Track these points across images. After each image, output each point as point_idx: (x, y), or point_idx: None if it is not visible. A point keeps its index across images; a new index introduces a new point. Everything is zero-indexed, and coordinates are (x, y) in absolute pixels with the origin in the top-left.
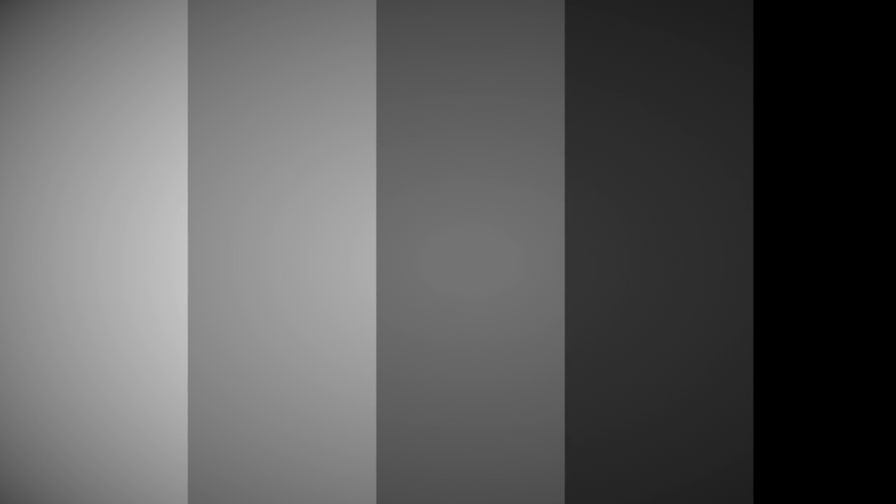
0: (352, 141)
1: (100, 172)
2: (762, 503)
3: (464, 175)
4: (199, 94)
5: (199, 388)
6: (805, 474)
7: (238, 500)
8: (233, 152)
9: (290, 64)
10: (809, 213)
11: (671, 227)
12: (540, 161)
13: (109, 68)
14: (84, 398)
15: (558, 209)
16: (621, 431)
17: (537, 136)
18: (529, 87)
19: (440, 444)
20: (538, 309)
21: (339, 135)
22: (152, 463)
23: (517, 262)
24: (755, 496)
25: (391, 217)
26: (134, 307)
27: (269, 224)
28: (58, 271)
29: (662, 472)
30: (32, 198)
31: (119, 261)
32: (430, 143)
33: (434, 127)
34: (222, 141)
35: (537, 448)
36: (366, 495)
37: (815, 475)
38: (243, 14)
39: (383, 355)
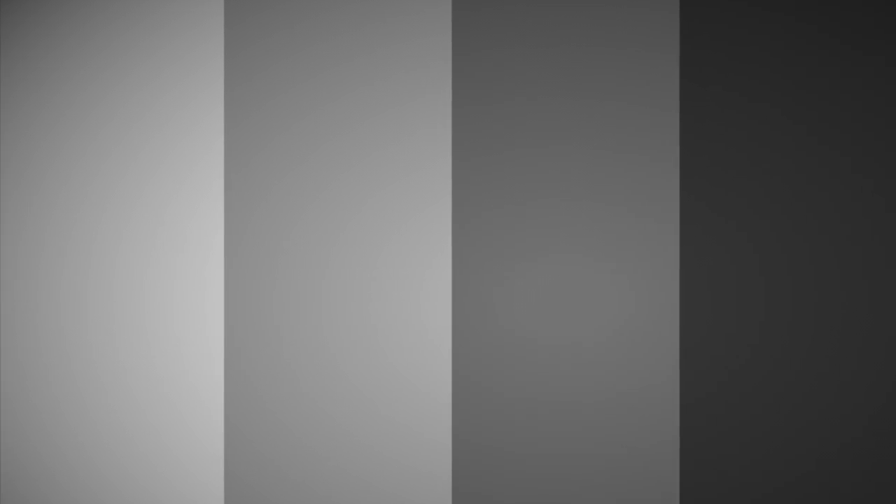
0: (421, 155)
1: (129, 192)
2: None
3: (556, 196)
4: (238, 98)
5: (238, 455)
6: None
7: None
8: (277, 171)
9: (348, 63)
10: None
11: (809, 260)
12: (648, 179)
13: (144, 79)
14: (108, 474)
15: (671, 237)
16: None
17: (645, 150)
18: (636, 90)
19: None
20: (647, 358)
21: (406, 148)
22: None
23: (621, 301)
24: None
25: (469, 246)
26: (167, 373)
27: (320, 257)
28: (85, 297)
29: None
30: (65, 207)
31: (146, 336)
32: (515, 158)
33: (520, 138)
34: (265, 156)
35: None
36: None
37: None
38: (288, 2)
39: (460, 415)
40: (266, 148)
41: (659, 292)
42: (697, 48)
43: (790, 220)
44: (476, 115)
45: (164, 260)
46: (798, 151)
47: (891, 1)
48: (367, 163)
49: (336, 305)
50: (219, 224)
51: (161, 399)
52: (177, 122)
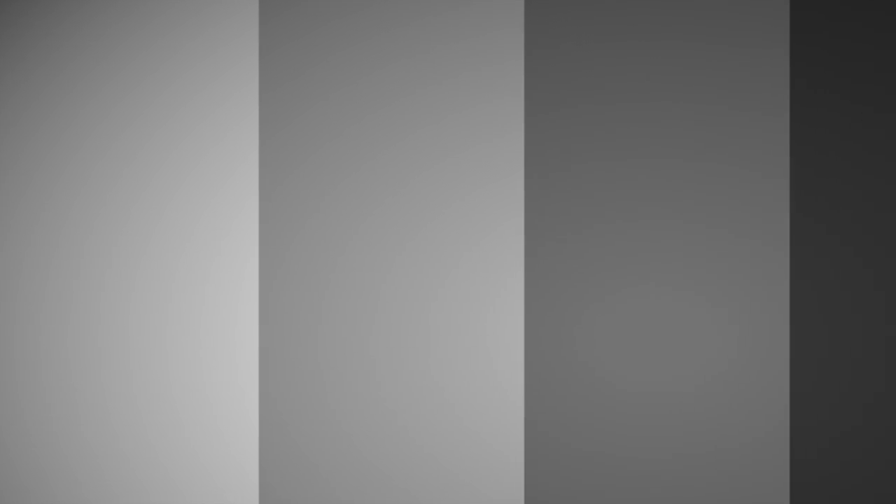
0: (490, 169)
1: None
2: None
3: (645, 217)
4: (274, 101)
5: None
6: None
7: None
8: (324, 184)
9: (405, 62)
10: None
11: None
12: (752, 197)
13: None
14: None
15: (780, 267)
16: None
17: (747, 163)
18: (737, 94)
19: None
20: (751, 409)
21: (472, 162)
22: None
23: (722, 342)
24: None
25: (543, 276)
26: (204, 420)
27: (370, 292)
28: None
29: None
30: (101, 211)
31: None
32: (596, 172)
33: (602, 150)
34: (309, 167)
35: None
36: None
37: None
38: None
39: (533, 476)
40: (312, 158)
41: (765, 332)
42: (809, 40)
43: None
44: (551, 123)
45: (203, 307)
46: None
47: None
48: (426, 177)
49: (393, 343)
50: (253, 251)
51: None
52: (213, 128)
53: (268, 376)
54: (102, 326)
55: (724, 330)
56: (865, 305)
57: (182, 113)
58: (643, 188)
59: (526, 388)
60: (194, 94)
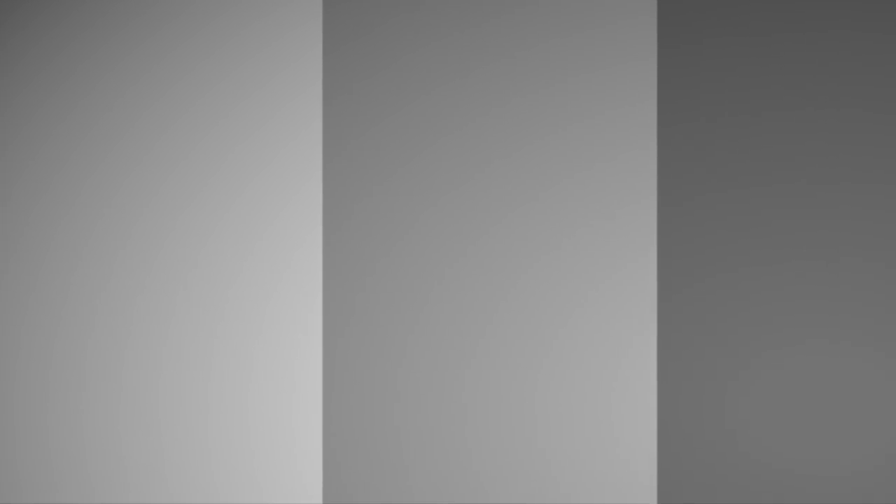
0: (616, 192)
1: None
2: None
3: (802, 256)
4: (338, 112)
5: None
6: None
7: None
8: (417, 202)
9: (515, 58)
10: None
11: None
12: None
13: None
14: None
15: None
16: None
17: None
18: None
19: None
20: None
21: (594, 179)
22: None
23: None
24: None
25: (680, 327)
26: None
27: (471, 327)
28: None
29: None
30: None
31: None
32: (741, 200)
33: (749, 170)
34: (403, 182)
35: None
36: None
37: None
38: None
39: None
40: (401, 172)
41: None
42: None
43: None
44: (687, 136)
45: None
46: None
47: None
48: (540, 201)
49: (488, 404)
50: (318, 287)
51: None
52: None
53: (335, 423)
54: (162, 342)
55: None
56: None
57: (245, 139)
58: (797, 219)
59: (659, 459)
60: (259, 126)
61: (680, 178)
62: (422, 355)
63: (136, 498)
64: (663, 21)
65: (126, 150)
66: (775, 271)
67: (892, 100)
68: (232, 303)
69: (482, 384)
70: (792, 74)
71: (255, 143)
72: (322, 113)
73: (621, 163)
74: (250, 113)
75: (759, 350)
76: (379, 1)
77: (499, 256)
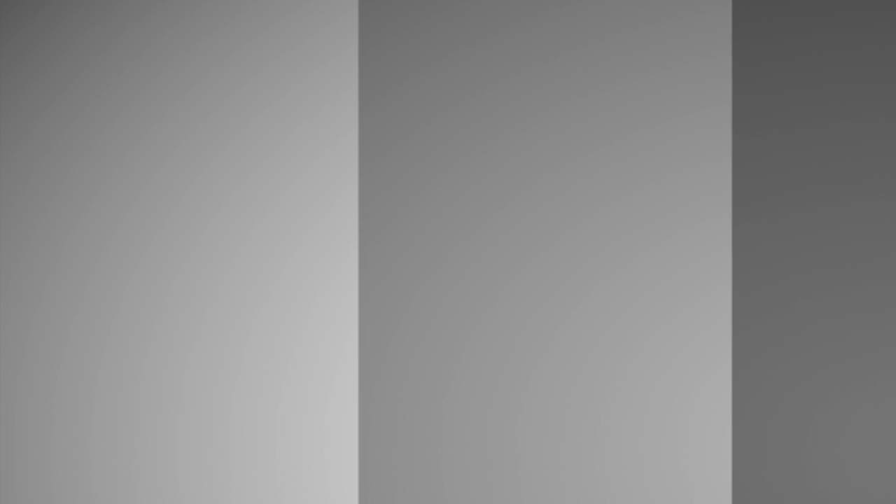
0: (686, 206)
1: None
2: None
3: (891, 282)
4: (373, 122)
5: None
6: None
7: None
8: (472, 217)
9: (572, 60)
10: None
11: None
12: None
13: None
14: None
15: None
16: None
17: None
18: None
19: None
20: None
21: (650, 200)
22: None
23: None
24: None
25: (755, 362)
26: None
27: (537, 349)
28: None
29: None
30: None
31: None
32: (819, 218)
33: (829, 185)
34: (458, 197)
35: None
36: None
37: None
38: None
39: None
40: (454, 193)
41: None
42: None
43: None
44: (766, 144)
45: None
46: None
47: None
48: (605, 216)
49: (545, 429)
50: (354, 312)
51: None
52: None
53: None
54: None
55: None
56: None
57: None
58: (880, 238)
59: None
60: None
61: (757, 192)
62: (472, 379)
63: None
64: (739, 13)
65: (152, 159)
66: (864, 296)
67: None
68: (264, 318)
69: (538, 409)
70: (886, 73)
71: (287, 151)
72: (358, 121)
73: (691, 175)
74: (283, 117)
75: (844, 384)
76: None
77: (553, 276)
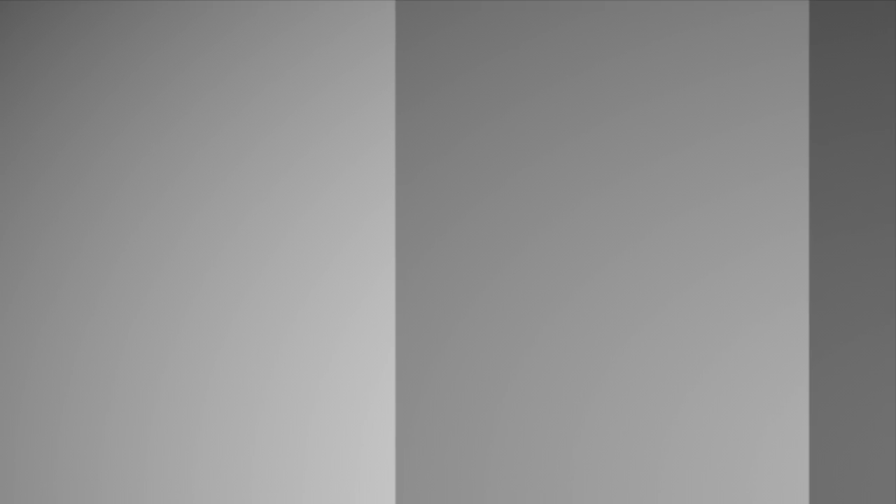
0: (761, 221)
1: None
2: None
3: None
4: (410, 131)
5: None
6: None
7: None
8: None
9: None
10: None
11: None
12: None
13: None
14: None
15: None
16: None
17: None
18: None
19: None
20: None
21: (719, 213)
22: None
23: None
24: None
25: (834, 394)
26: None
27: (594, 366)
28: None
29: None
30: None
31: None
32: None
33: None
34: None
35: None
36: None
37: None
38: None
39: None
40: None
41: None
42: None
43: None
44: (846, 152)
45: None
46: None
47: None
48: (665, 226)
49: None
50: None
51: None
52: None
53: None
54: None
55: None
56: None
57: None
58: None
59: None
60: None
61: (837, 204)
62: (518, 392)
63: None
64: (816, 7)
65: (170, 165)
66: None
67: None
68: (299, 327)
69: (594, 436)
70: None
71: (319, 156)
72: (395, 126)
73: (763, 186)
74: (314, 120)
75: None
76: None
77: (613, 295)
